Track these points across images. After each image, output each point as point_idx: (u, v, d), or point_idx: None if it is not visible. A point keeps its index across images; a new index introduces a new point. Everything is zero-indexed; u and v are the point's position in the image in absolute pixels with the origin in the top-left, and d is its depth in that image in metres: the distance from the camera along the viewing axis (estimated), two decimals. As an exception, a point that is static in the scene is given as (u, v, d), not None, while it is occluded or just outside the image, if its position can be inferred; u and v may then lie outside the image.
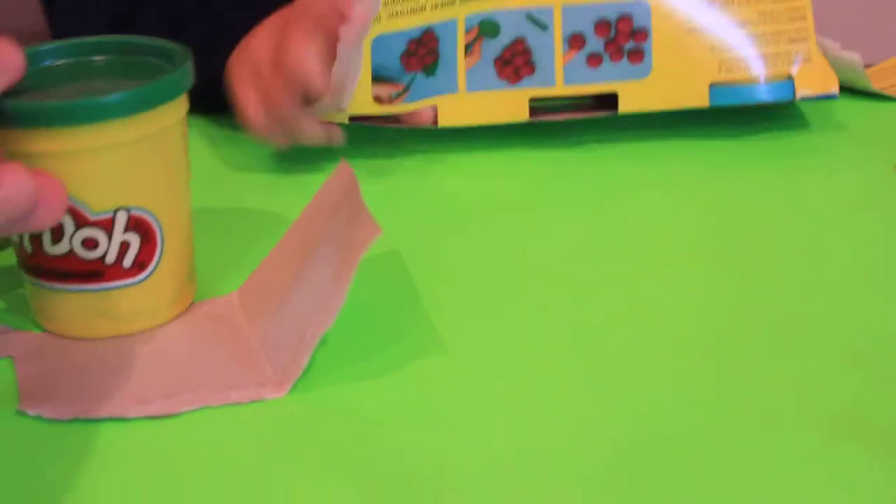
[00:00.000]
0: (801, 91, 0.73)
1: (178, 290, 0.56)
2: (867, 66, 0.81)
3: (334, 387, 0.50)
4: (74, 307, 0.54)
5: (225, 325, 0.55)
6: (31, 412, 0.49)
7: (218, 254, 0.61)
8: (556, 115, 0.74)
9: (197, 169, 0.58)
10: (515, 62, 0.73)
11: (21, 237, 0.53)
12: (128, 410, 0.49)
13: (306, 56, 0.66)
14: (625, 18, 0.72)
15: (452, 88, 0.71)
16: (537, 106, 0.74)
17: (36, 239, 0.53)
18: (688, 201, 0.67)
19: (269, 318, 0.53)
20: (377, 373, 0.51)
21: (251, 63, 0.70)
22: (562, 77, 0.73)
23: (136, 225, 0.53)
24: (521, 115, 0.73)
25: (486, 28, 0.72)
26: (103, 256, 0.53)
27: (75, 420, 0.49)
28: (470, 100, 0.72)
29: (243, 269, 0.58)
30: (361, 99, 0.71)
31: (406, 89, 0.72)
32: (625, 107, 0.73)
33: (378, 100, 0.71)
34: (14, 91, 0.51)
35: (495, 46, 0.72)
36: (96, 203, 0.52)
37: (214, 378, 0.51)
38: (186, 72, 0.53)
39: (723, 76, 0.73)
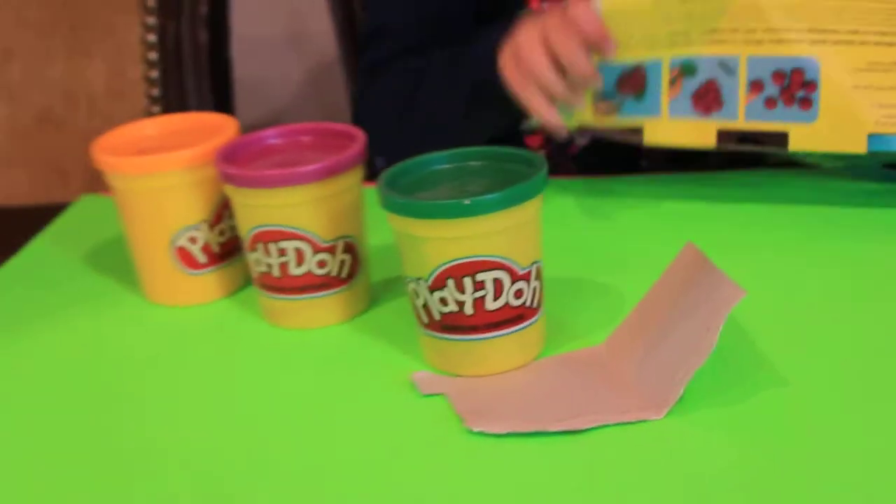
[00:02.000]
0: None
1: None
2: None
3: (703, 411, 0.67)
4: (500, 349, 0.73)
5: (599, 367, 0.72)
6: (476, 429, 0.68)
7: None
8: (736, 146, 0.91)
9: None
10: (707, 98, 0.91)
11: (462, 302, 0.71)
12: (549, 426, 0.67)
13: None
14: (797, 71, 0.87)
15: (656, 113, 0.91)
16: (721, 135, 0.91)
17: (479, 301, 0.71)
18: None
19: (638, 363, 0.71)
20: (733, 401, 0.68)
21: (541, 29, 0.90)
22: (743, 114, 0.90)
23: (538, 273, 0.73)
24: (710, 142, 0.91)
25: (686, 68, 0.92)
26: (525, 302, 0.72)
27: (509, 434, 0.67)
28: (671, 124, 0.92)
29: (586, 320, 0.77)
30: (585, 111, 0.94)
31: (619, 107, 0.94)
32: (794, 145, 0.88)
33: (597, 111, 0.94)
34: (425, 187, 0.74)
35: (692, 84, 0.91)
36: (524, 260, 0.72)
37: (606, 404, 0.68)
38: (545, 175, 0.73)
39: (878, 129, 0.86)
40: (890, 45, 0.86)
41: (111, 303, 0.90)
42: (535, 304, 0.74)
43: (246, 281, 0.89)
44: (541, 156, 0.74)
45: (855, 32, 0.87)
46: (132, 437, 0.72)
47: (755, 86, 0.89)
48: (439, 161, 0.77)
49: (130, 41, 1.26)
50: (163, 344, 0.84)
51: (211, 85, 1.24)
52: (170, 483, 0.67)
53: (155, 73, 1.24)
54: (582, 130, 0.96)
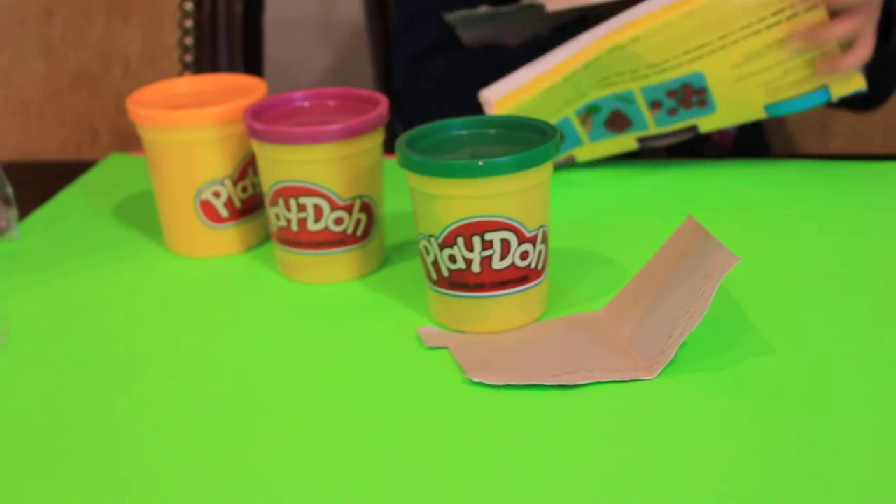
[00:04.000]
0: (835, 93, 0.96)
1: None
2: None
3: (694, 374, 0.70)
4: (503, 307, 0.76)
5: (597, 330, 0.76)
6: (476, 379, 0.71)
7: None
8: (656, 140, 1.00)
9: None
10: (618, 122, 0.99)
11: (470, 260, 0.75)
12: (544, 380, 0.70)
13: None
14: (687, 85, 0.96)
15: (578, 143, 1.00)
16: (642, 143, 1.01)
17: (486, 260, 0.75)
18: None
19: (634, 326, 0.74)
20: (723, 366, 0.71)
21: None
22: (653, 124, 0.99)
23: (544, 237, 0.76)
24: (633, 146, 1.00)
25: (591, 109, 0.99)
26: (530, 264, 0.76)
27: (507, 385, 0.70)
28: (594, 146, 1.00)
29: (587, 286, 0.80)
30: None
31: None
32: (704, 128, 0.99)
33: None
34: (443, 149, 0.77)
35: (600, 116, 0.99)
36: (531, 223, 0.75)
37: (601, 362, 0.71)
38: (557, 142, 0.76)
39: (770, 99, 0.97)
40: (756, 33, 0.93)
41: (132, 252, 0.93)
42: (539, 267, 0.77)
43: (264, 238, 0.93)
44: (554, 126, 0.78)
45: (723, 37, 0.94)
46: (144, 379, 0.76)
47: (655, 105, 0.98)
48: (458, 127, 0.81)
49: (168, 7, 1.30)
50: (180, 293, 0.87)
51: (243, 55, 1.28)
52: (179, 427, 0.71)
53: (190, 40, 1.27)
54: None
